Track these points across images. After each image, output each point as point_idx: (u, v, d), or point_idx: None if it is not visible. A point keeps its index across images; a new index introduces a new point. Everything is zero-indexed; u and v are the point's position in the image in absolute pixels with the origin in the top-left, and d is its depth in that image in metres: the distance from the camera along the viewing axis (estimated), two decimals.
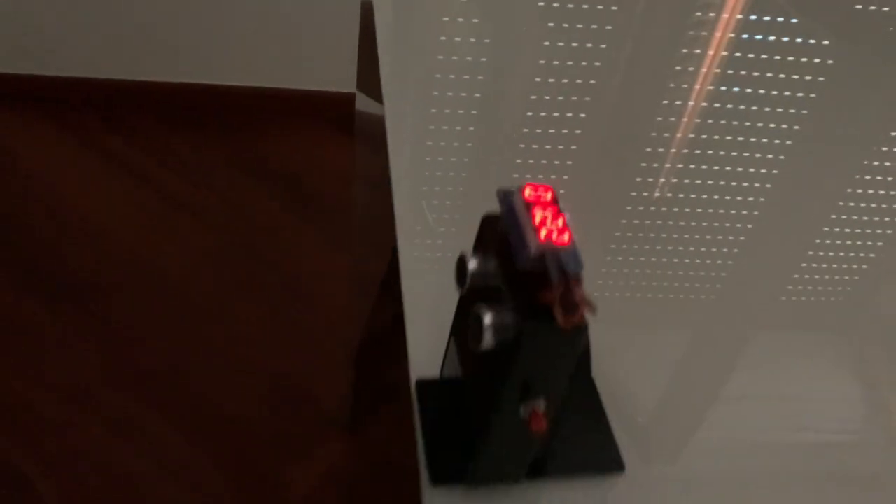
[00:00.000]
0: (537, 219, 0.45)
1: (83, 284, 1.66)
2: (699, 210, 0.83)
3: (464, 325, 0.52)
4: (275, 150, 2.02)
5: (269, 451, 1.40)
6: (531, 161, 0.85)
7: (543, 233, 0.44)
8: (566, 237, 0.44)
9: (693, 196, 0.84)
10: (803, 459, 0.64)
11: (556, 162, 0.85)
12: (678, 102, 0.96)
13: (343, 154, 1.99)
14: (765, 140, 0.91)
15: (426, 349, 0.60)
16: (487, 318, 0.44)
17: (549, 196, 0.46)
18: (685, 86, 0.98)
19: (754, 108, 0.95)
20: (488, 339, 0.45)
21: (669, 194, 0.84)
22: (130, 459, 1.37)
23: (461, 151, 0.84)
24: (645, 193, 0.84)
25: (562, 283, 0.43)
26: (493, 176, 0.85)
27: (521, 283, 0.44)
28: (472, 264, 0.48)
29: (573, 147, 0.87)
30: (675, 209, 0.82)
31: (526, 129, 0.87)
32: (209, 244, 1.78)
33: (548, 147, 0.85)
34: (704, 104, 0.95)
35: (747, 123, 0.93)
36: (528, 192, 0.46)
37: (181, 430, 1.41)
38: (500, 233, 0.47)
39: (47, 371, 1.51)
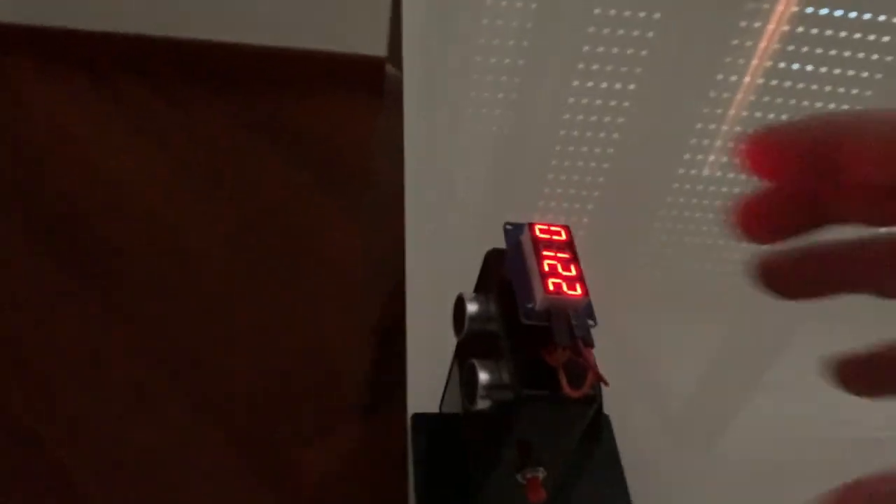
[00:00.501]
0: (546, 265, 0.38)
1: (97, 243, 1.62)
2: (741, 191, 0.77)
3: (462, 368, 0.47)
4: (299, 112, 1.95)
5: (284, 432, 1.36)
6: (564, 161, 0.81)
7: (552, 283, 0.38)
8: (579, 289, 0.38)
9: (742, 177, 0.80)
10: (843, 454, 0.61)
11: (592, 164, 0.81)
12: (733, 79, 0.91)
13: (370, 118, 1.92)
14: None
15: (428, 354, 0.56)
16: (482, 379, 0.39)
17: (563, 236, 0.40)
18: (741, 61, 0.94)
19: (814, 87, 0.91)
20: (482, 401, 0.39)
21: (719, 173, 0.82)
22: (143, 434, 1.35)
23: (481, 134, 0.81)
24: (693, 171, 0.82)
25: (569, 346, 0.37)
26: (508, 170, 0.81)
27: (524, 336, 0.38)
28: (472, 308, 0.41)
29: (610, 149, 0.82)
30: (724, 189, 0.80)
31: (563, 131, 0.83)
32: (228, 212, 1.72)
33: (584, 149, 0.81)
34: (760, 81, 0.91)
35: (805, 104, 0.89)
36: (538, 230, 0.40)
37: (196, 408, 1.38)
38: (505, 273, 0.41)
39: (60, 336, 1.48)
